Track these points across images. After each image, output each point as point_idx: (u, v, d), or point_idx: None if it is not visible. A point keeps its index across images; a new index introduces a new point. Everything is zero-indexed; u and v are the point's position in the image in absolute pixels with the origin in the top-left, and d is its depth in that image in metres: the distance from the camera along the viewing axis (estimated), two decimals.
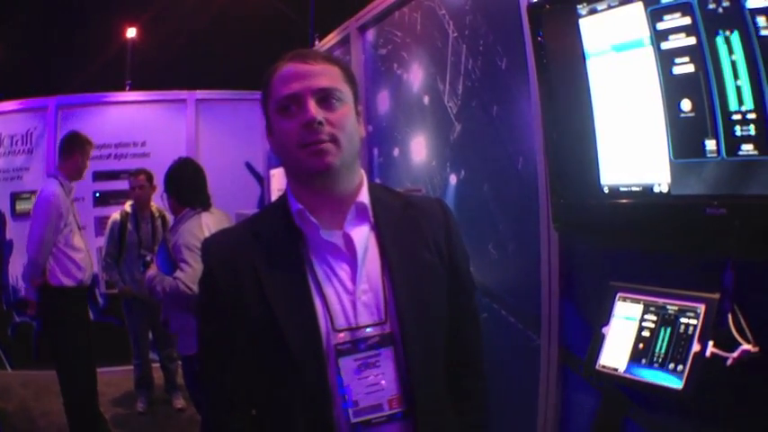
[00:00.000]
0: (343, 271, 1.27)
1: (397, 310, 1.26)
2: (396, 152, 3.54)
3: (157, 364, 5.10)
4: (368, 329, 1.25)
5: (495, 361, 2.51)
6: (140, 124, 6.16)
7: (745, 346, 1.48)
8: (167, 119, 6.23)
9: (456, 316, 1.37)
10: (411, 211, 1.37)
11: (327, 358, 1.22)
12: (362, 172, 1.36)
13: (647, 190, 1.72)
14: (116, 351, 5.27)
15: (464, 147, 2.86)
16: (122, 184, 5.63)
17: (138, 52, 6.45)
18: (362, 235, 1.30)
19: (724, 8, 1.45)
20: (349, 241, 1.28)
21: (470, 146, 2.81)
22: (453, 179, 2.94)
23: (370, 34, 3.84)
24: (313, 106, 1.22)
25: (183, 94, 6.25)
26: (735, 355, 1.49)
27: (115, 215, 4.85)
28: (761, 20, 1.38)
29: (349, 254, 1.28)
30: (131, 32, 6.41)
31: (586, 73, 1.89)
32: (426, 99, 3.16)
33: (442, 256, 1.35)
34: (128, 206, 4.86)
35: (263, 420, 1.31)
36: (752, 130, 1.43)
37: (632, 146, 1.77)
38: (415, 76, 3.27)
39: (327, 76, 1.26)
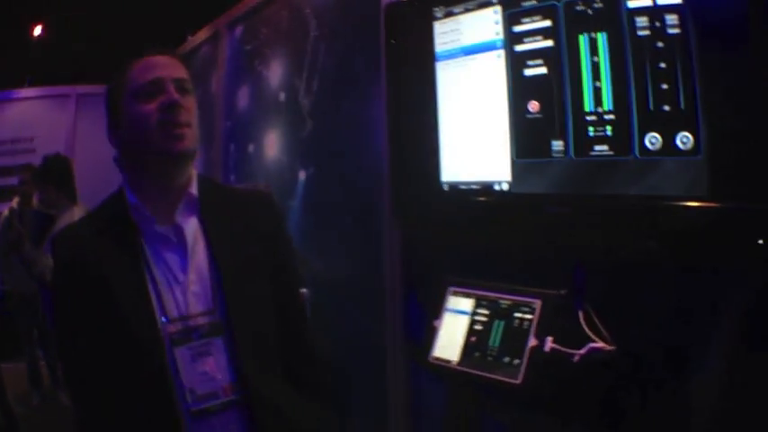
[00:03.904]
0: (175, 262, 1.32)
1: (224, 299, 1.30)
2: (251, 148, 3.47)
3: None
4: (199, 319, 1.29)
5: (345, 352, 2.50)
6: (30, 121, 6.37)
7: (597, 344, 1.53)
8: (54, 115, 6.37)
9: (283, 306, 1.41)
10: (237, 203, 1.44)
11: (165, 348, 1.26)
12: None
13: (488, 188, 1.77)
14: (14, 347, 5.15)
15: (314, 143, 2.86)
16: (15, 181, 5.59)
17: (39, 48, 6.68)
18: (192, 227, 1.35)
19: (595, 9, 1.51)
20: (180, 233, 1.33)
21: (320, 143, 2.82)
22: (302, 175, 2.93)
23: (239, 30, 3.75)
24: (174, 91, 1.28)
25: (67, 89, 6.34)
26: (582, 351, 1.53)
27: (5, 212, 4.65)
28: (640, 20, 1.43)
29: (180, 245, 1.33)
30: (38, 30, 6.62)
31: (435, 75, 1.94)
32: (282, 96, 3.12)
33: (268, 248, 1.41)
34: (15, 203, 4.75)
35: (108, 407, 1.29)
36: (609, 130, 1.50)
37: (475, 146, 1.83)
38: (274, 72, 3.22)
39: (181, 68, 1.35)
